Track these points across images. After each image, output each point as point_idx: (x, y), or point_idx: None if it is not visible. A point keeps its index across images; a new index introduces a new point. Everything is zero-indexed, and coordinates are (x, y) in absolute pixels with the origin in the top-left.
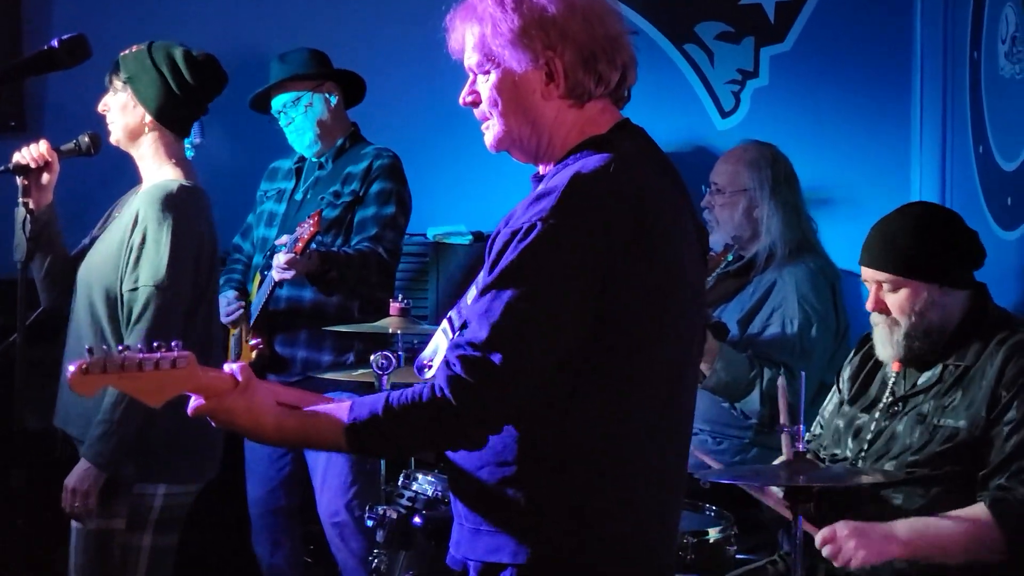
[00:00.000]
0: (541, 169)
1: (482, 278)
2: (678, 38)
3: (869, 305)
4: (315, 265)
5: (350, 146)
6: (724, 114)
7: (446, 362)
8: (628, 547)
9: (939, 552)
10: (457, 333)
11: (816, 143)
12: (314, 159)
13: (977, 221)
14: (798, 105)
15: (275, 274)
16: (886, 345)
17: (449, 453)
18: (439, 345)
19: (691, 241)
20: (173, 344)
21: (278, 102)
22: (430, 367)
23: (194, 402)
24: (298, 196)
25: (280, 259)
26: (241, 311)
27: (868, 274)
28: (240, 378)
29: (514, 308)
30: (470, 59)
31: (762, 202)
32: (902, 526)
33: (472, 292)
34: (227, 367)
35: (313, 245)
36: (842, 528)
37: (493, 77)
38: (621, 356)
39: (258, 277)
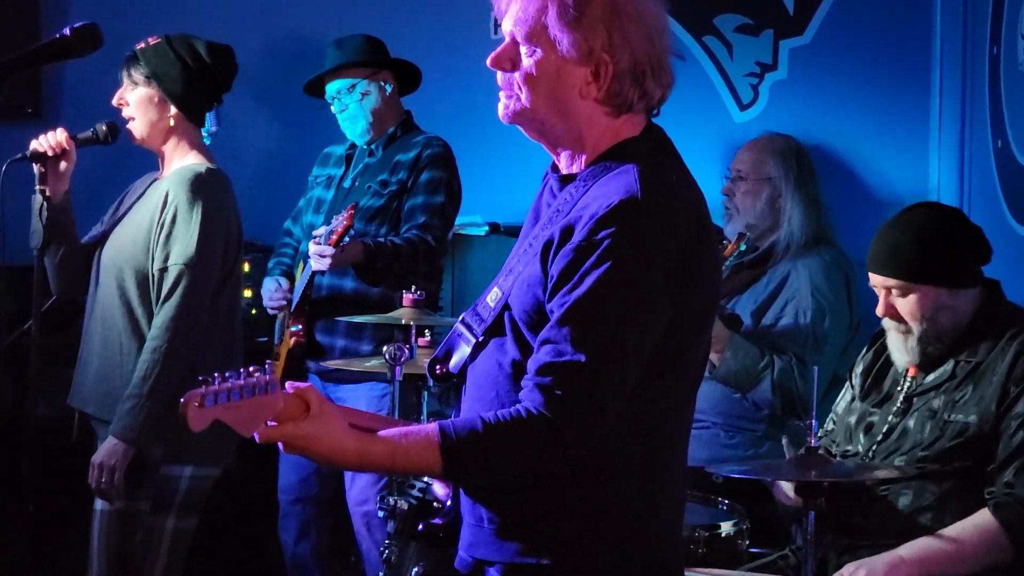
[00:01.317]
0: (562, 164)
1: (522, 282)
2: (697, 30)
3: (880, 311)
4: (358, 256)
5: (402, 134)
6: (742, 106)
7: (538, 385)
8: (653, 550)
9: (951, 566)
10: (536, 350)
11: (834, 136)
12: (365, 146)
13: (995, 215)
14: (816, 98)
15: (313, 263)
16: (902, 352)
17: None
18: (456, 348)
19: (715, 239)
20: (267, 365)
21: (332, 87)
22: (447, 369)
23: (266, 428)
24: (346, 183)
25: (314, 249)
26: (284, 300)
27: (876, 280)
28: (311, 401)
29: (611, 332)
30: (518, 27)
31: (785, 192)
32: (906, 549)
33: (494, 293)
34: (289, 386)
35: (346, 239)
36: (847, 569)
37: (537, 55)
38: (667, 365)
39: (301, 264)
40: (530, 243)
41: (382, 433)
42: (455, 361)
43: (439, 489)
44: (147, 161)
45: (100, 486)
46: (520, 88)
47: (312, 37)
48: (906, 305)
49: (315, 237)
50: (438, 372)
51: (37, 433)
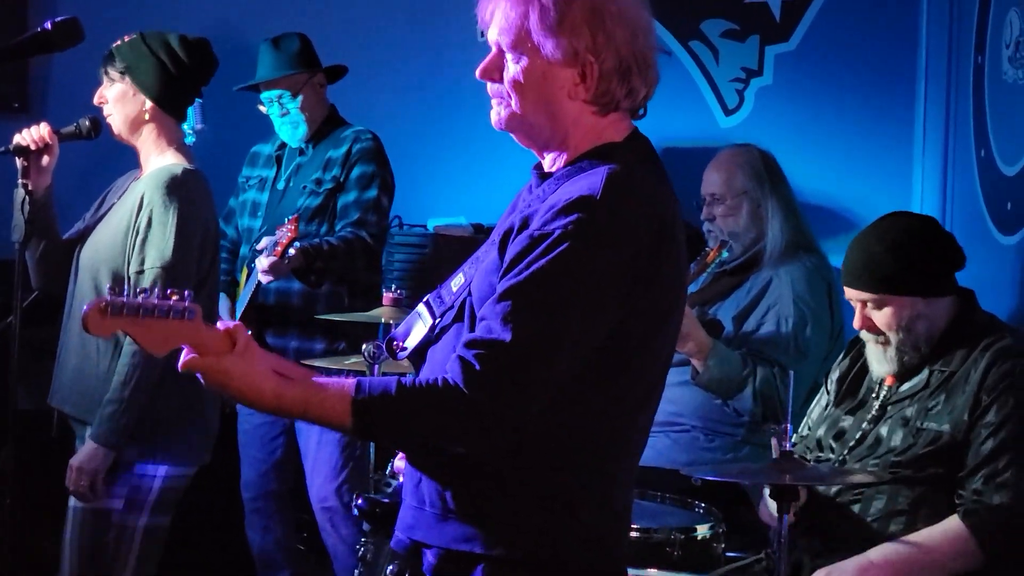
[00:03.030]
0: (546, 164)
1: (482, 270)
2: (683, 35)
3: (856, 324)
4: (299, 261)
5: (329, 129)
6: (728, 112)
7: (460, 358)
8: (601, 544)
9: (919, 570)
10: (470, 327)
11: (819, 143)
12: (298, 143)
13: (977, 225)
14: (802, 104)
15: (261, 277)
16: (881, 363)
17: None
18: (413, 328)
19: (684, 247)
20: (186, 294)
21: (271, 94)
22: (404, 349)
23: (187, 355)
24: (280, 184)
25: (262, 263)
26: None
27: (851, 294)
28: (238, 339)
29: (542, 317)
30: (502, 36)
31: (764, 201)
32: (876, 552)
33: (458, 278)
34: (221, 324)
35: (291, 250)
36: (819, 574)
37: (524, 62)
38: (621, 361)
39: (245, 270)
40: (498, 233)
41: (301, 382)
42: (412, 340)
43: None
44: (131, 157)
45: (78, 489)
46: (510, 95)
47: (248, 35)
48: (883, 317)
49: (260, 250)
50: (396, 348)
51: (17, 426)
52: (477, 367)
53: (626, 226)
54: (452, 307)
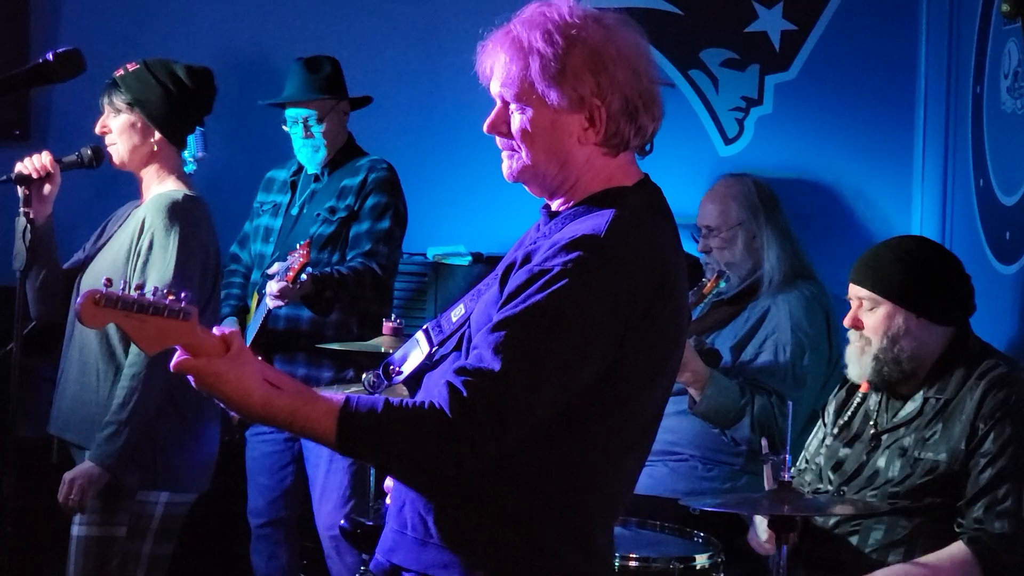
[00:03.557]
0: (555, 204)
1: (482, 302)
2: (683, 64)
3: (847, 321)
4: (308, 288)
5: (346, 158)
6: (728, 141)
7: (449, 383)
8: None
9: None
10: (463, 355)
11: (819, 172)
12: (311, 171)
13: (976, 254)
14: (802, 134)
15: (268, 302)
16: (855, 364)
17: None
18: (410, 354)
19: (686, 296)
20: (182, 295)
21: (298, 113)
22: (400, 373)
23: (179, 356)
24: (294, 211)
25: (272, 287)
26: None
27: (852, 290)
28: (232, 345)
29: (533, 350)
30: (506, 89)
31: (759, 231)
32: (882, 573)
33: (459, 309)
34: (217, 330)
35: (303, 276)
36: None
37: (529, 112)
38: (617, 401)
39: (256, 296)
40: (500, 268)
41: (292, 393)
42: (408, 366)
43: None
44: (131, 186)
45: (67, 502)
46: (519, 147)
47: (261, 55)
48: (872, 319)
49: (272, 275)
50: (392, 372)
51: (17, 454)
52: (464, 393)
53: (626, 268)
54: (451, 336)
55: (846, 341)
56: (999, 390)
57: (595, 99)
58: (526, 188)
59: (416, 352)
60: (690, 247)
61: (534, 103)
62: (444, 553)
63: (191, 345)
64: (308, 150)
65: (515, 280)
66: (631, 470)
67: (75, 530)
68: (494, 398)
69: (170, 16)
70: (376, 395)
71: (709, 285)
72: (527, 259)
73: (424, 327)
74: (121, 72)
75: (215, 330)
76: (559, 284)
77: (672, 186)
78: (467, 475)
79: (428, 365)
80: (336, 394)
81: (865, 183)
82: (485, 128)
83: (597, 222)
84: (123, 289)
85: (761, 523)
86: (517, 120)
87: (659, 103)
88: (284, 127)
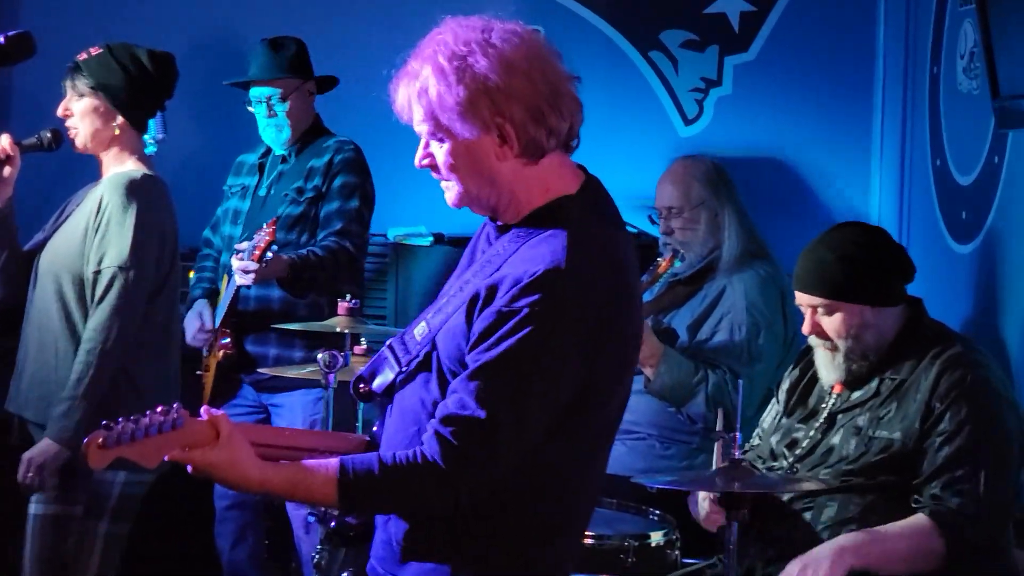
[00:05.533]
0: (502, 219)
1: (448, 330)
2: (643, 45)
3: (806, 330)
4: (283, 271)
5: (312, 138)
6: (688, 121)
7: (438, 434)
8: None
9: (884, 561)
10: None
11: (778, 152)
12: (280, 150)
13: (933, 234)
14: (760, 114)
15: (237, 279)
16: (828, 369)
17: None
18: (380, 371)
19: (639, 290)
20: (173, 406)
21: (261, 92)
22: (370, 390)
23: (176, 452)
24: (261, 192)
25: (237, 265)
26: (207, 339)
27: (802, 299)
28: (222, 430)
29: (513, 393)
30: (420, 126)
31: (721, 210)
32: (845, 539)
33: (421, 327)
34: (204, 413)
35: (269, 254)
36: (792, 567)
37: (447, 145)
38: (585, 414)
39: (225, 278)
40: (460, 287)
41: (285, 464)
42: (378, 383)
43: None
44: (92, 169)
45: (28, 481)
46: (449, 177)
47: (231, 36)
48: (831, 323)
49: (238, 252)
50: (361, 391)
51: None
52: (455, 443)
53: (590, 293)
54: (417, 356)
55: (801, 321)
56: (954, 370)
57: (497, 117)
58: (472, 211)
59: (386, 371)
60: (646, 229)
61: (446, 134)
62: (429, 567)
63: (186, 444)
64: (272, 130)
65: (482, 321)
66: (601, 466)
67: (32, 508)
68: (484, 442)
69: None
70: (369, 455)
71: (664, 265)
72: (491, 292)
73: (388, 343)
74: (84, 56)
75: (202, 411)
76: (529, 327)
77: (632, 167)
78: (461, 510)
79: (396, 384)
80: (328, 460)
81: (824, 163)
82: (416, 164)
83: (553, 249)
84: (119, 423)
85: (703, 499)
86: (439, 154)
87: (569, 98)
88: (248, 107)
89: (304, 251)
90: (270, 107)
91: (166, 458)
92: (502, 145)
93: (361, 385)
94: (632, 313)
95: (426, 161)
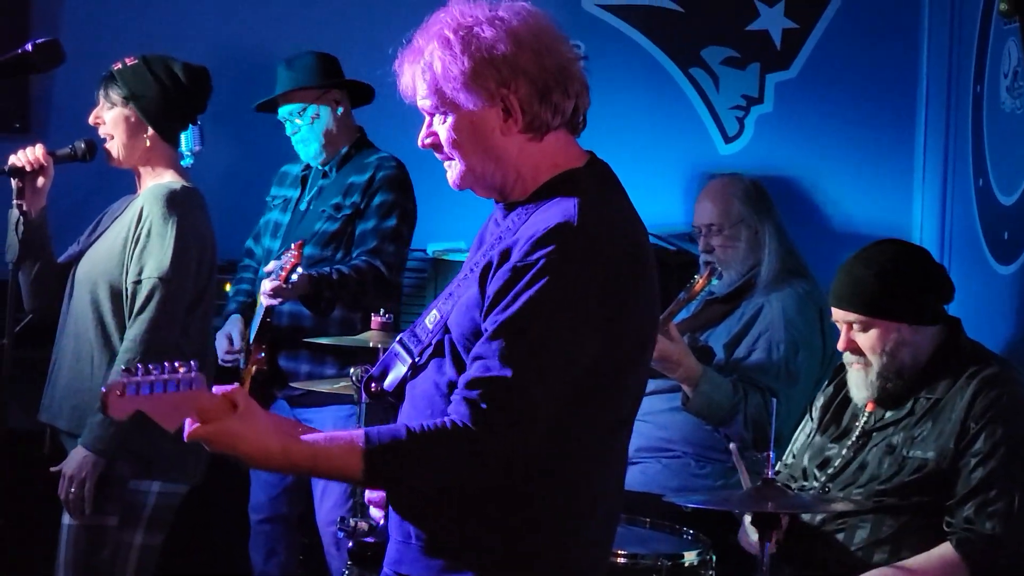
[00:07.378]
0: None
1: (461, 305)
2: (684, 62)
3: (841, 346)
4: (305, 288)
5: (355, 153)
6: (728, 139)
7: (465, 398)
8: (575, 570)
9: None
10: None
11: (819, 171)
12: (319, 167)
13: (975, 254)
14: (802, 133)
15: (263, 300)
16: (860, 387)
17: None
18: (392, 367)
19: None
20: (192, 364)
21: (284, 111)
22: (379, 388)
23: (190, 426)
24: (302, 206)
25: (266, 286)
26: (237, 357)
27: (838, 315)
28: (239, 403)
29: (537, 349)
30: (424, 102)
31: (762, 227)
32: (872, 574)
33: (432, 315)
34: (217, 389)
35: (294, 276)
36: None
37: (450, 119)
38: (599, 391)
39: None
40: (471, 268)
41: (307, 436)
42: (390, 380)
43: (374, 512)
44: (127, 180)
45: (69, 497)
46: (452, 154)
47: (268, 52)
48: (867, 340)
49: (268, 273)
50: (373, 390)
51: (9, 445)
52: (483, 406)
53: (604, 249)
54: (430, 345)
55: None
56: (990, 390)
57: (502, 89)
58: (475, 193)
59: (398, 365)
60: (686, 246)
61: (451, 109)
62: (450, 558)
63: (202, 411)
64: (300, 144)
65: (497, 280)
66: (620, 458)
67: (66, 518)
68: (514, 403)
69: (172, 10)
70: (394, 424)
71: (701, 282)
72: (505, 256)
73: (399, 338)
74: (119, 66)
75: (215, 390)
76: (546, 278)
77: (672, 184)
78: (497, 481)
79: (409, 376)
80: (352, 431)
81: (866, 182)
82: (419, 144)
83: (566, 207)
84: (140, 372)
85: (750, 523)
86: (443, 130)
87: (576, 79)
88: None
89: (327, 268)
90: (291, 123)
91: (186, 436)
92: (506, 119)
93: (373, 385)
94: (649, 290)
95: (429, 140)
